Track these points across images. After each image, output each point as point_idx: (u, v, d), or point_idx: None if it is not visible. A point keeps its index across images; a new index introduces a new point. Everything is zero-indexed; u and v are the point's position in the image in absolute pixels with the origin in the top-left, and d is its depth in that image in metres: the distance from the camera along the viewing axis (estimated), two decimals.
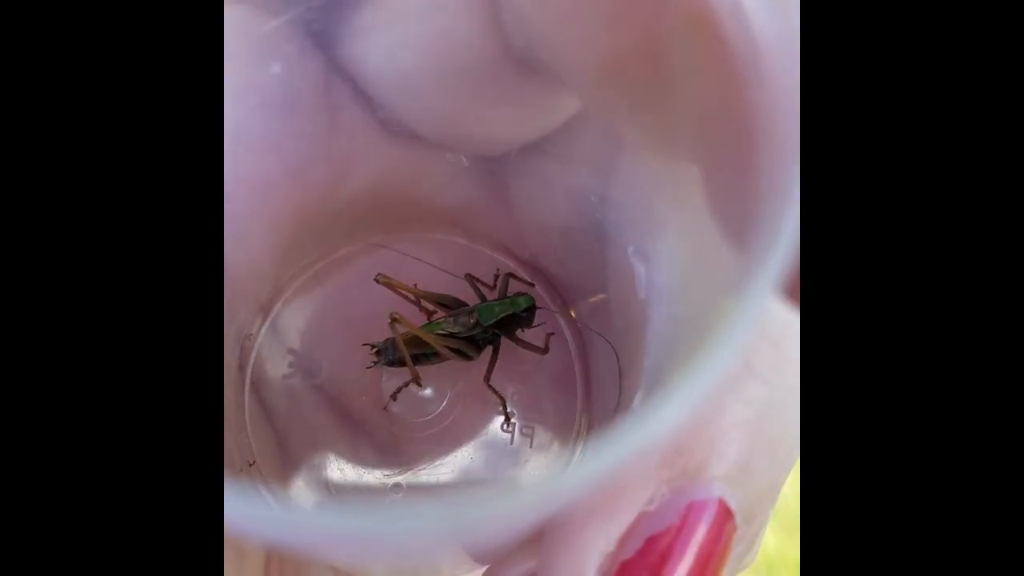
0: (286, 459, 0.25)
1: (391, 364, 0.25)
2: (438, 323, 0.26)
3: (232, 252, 0.23)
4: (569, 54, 0.16)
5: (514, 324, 0.25)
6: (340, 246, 0.27)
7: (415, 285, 0.26)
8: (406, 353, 0.24)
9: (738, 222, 0.13)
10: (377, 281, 0.25)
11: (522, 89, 0.18)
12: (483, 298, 0.26)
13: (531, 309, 0.25)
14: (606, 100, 0.16)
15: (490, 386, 0.25)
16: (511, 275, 0.26)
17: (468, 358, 0.25)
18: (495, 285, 0.26)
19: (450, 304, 0.26)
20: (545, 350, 0.25)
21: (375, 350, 0.25)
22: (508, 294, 0.26)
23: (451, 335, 0.25)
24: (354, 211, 0.25)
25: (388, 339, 0.25)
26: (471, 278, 0.26)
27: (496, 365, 0.25)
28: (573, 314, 0.26)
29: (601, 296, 0.23)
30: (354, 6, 0.18)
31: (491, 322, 0.25)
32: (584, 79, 0.16)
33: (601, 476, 0.11)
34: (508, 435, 0.25)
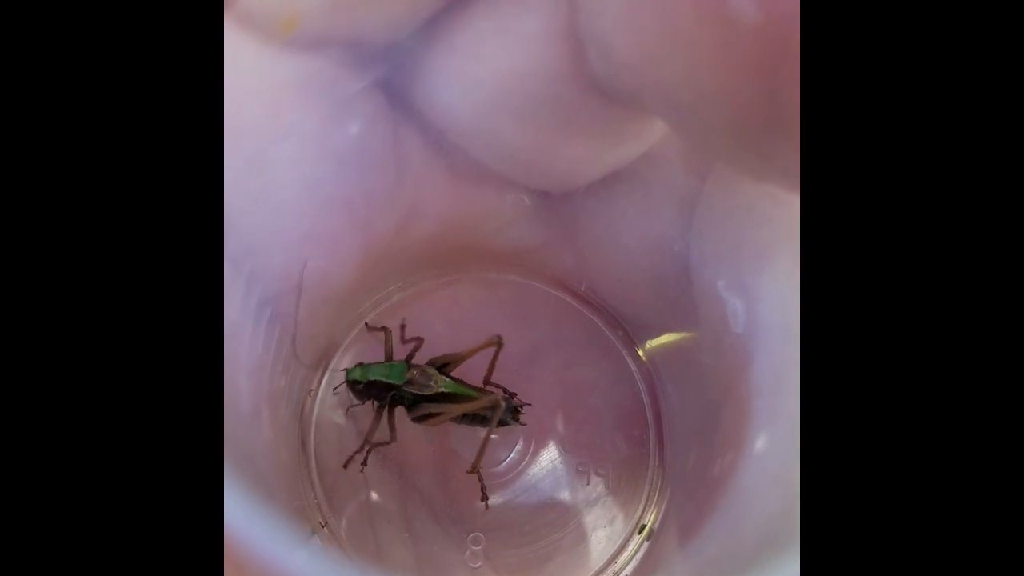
0: (373, 515, 0.24)
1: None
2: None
3: (296, 308, 0.22)
4: (659, 78, 0.16)
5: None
6: (394, 293, 0.26)
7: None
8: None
9: None
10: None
11: (604, 119, 0.18)
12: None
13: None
14: (703, 129, 0.16)
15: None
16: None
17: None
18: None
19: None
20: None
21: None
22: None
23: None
24: (412, 256, 0.24)
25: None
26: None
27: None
28: (640, 353, 0.25)
29: (677, 333, 0.23)
30: (427, 49, 0.18)
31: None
32: (676, 103, 0.16)
33: None
34: (583, 476, 0.24)
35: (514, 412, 0.24)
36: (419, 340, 0.25)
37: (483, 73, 0.17)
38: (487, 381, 0.24)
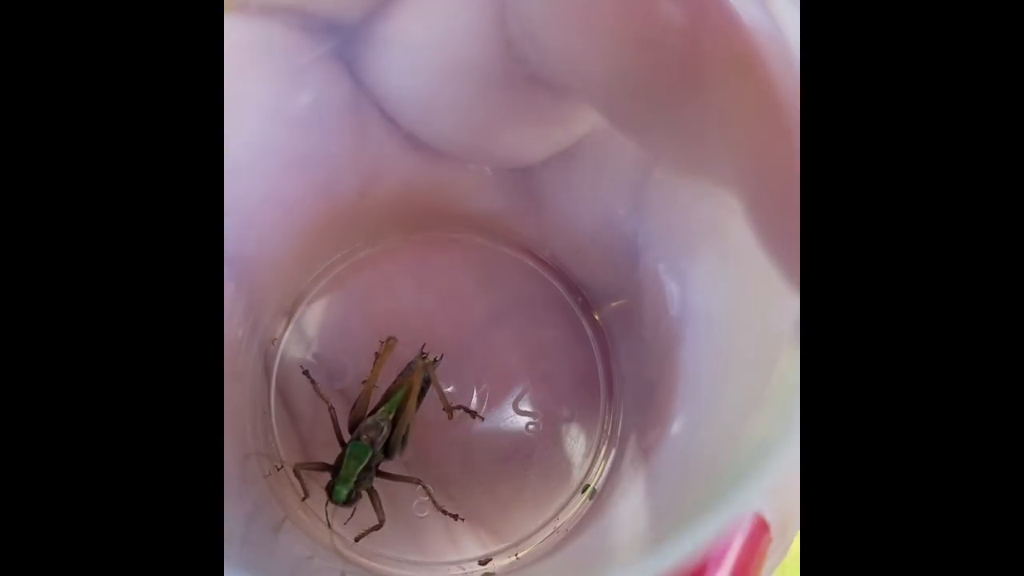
0: (316, 458, 0.25)
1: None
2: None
3: (256, 262, 0.23)
4: (588, 71, 0.16)
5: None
6: (360, 250, 0.27)
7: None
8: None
9: (791, 257, 0.13)
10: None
11: (538, 106, 0.18)
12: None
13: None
14: (633, 118, 0.16)
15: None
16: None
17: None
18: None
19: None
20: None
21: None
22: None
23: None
24: (377, 217, 0.25)
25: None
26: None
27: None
28: (596, 316, 0.26)
29: (625, 301, 0.23)
30: (369, 32, 0.18)
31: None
32: (606, 96, 0.16)
33: None
34: (533, 434, 0.25)
35: (423, 361, 0.25)
36: (331, 409, 0.24)
37: (420, 60, 0.18)
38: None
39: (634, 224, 0.20)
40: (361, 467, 0.23)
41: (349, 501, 0.23)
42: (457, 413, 0.25)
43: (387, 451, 0.24)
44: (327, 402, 0.24)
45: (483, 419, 0.25)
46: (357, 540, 0.24)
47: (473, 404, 0.26)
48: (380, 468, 0.24)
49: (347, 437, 0.24)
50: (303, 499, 0.24)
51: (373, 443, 0.24)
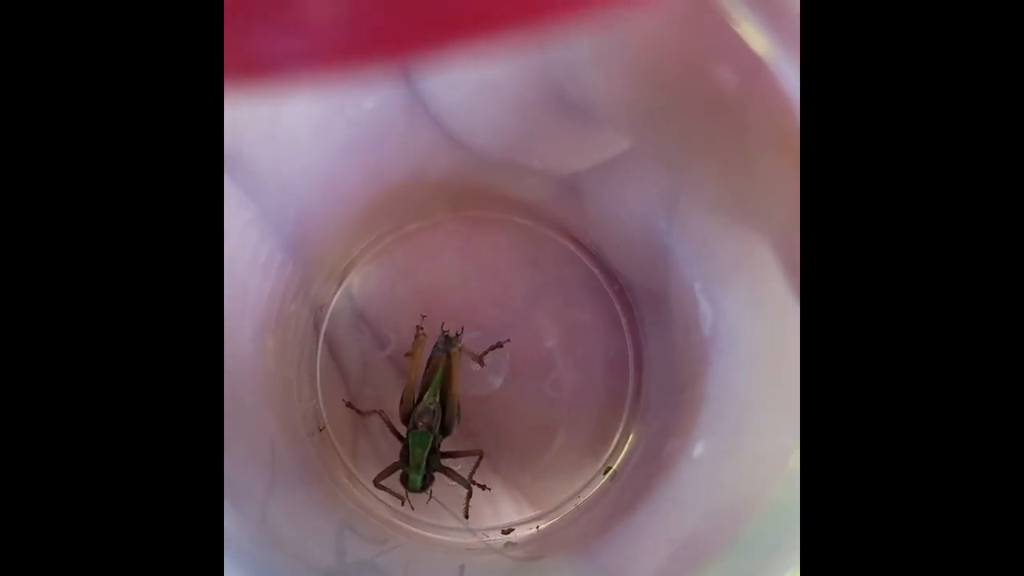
0: (357, 421, 0.27)
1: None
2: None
3: (312, 241, 0.24)
4: (628, 111, 0.16)
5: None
6: (409, 223, 0.27)
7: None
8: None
9: None
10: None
11: (572, 131, 0.19)
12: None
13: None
14: (672, 159, 0.17)
15: None
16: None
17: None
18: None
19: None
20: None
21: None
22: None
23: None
24: (425, 196, 0.26)
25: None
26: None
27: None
28: (633, 309, 0.26)
29: (663, 303, 0.24)
30: None
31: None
32: (648, 138, 0.17)
33: None
34: (560, 415, 0.27)
35: (447, 339, 0.26)
36: (379, 411, 0.26)
37: (461, 81, 0.18)
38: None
39: (672, 240, 0.20)
40: (427, 452, 0.25)
41: (425, 486, 0.25)
42: (489, 388, 0.26)
43: (444, 430, 0.26)
44: (375, 411, 0.26)
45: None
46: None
47: (502, 381, 0.27)
48: (442, 449, 0.26)
49: (403, 430, 0.26)
50: (402, 504, 0.26)
51: (430, 427, 0.25)
